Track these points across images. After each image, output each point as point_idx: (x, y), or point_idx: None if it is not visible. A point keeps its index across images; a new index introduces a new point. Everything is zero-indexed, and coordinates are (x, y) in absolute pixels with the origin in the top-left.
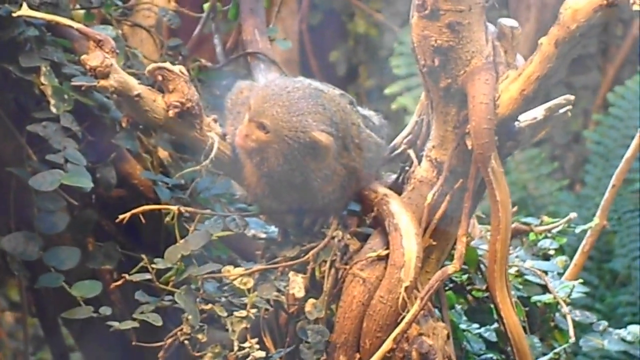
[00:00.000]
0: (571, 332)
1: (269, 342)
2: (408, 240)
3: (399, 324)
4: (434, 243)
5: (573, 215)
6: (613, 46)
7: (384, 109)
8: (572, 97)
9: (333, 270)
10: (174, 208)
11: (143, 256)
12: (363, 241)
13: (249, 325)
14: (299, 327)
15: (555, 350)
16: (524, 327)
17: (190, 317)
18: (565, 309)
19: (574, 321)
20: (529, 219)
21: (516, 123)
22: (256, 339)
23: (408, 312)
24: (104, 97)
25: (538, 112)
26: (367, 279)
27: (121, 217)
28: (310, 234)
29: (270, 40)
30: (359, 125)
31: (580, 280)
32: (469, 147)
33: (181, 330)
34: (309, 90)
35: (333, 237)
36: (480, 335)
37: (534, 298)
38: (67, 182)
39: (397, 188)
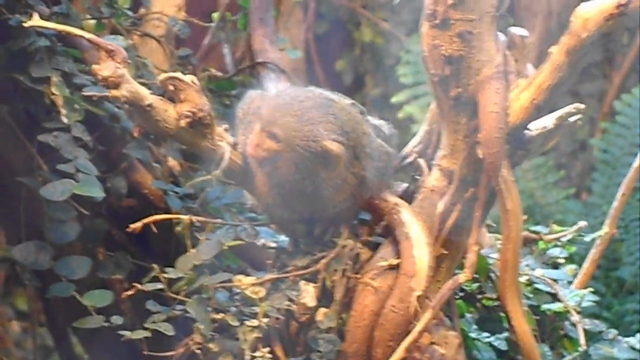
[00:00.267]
0: (582, 340)
1: (279, 351)
2: (419, 249)
3: (410, 333)
4: (445, 252)
5: (583, 223)
6: (619, 54)
7: (390, 118)
8: (582, 106)
9: (344, 280)
10: (186, 217)
11: (155, 265)
12: (374, 250)
13: (260, 335)
14: (310, 337)
15: (566, 359)
16: (534, 336)
17: (202, 326)
18: (576, 317)
19: (583, 330)
20: (538, 228)
21: (526, 132)
22: (267, 348)
23: (419, 321)
24: (114, 107)
25: (548, 121)
26: (378, 288)
27: (133, 226)
28: (321, 243)
29: (279, 50)
30: (369, 134)
31: (591, 289)
32: (480, 156)
33: (193, 339)
34: (320, 99)
35: (344, 247)
36: (490, 344)
37: (544, 306)
38: (79, 192)
39: (408, 197)
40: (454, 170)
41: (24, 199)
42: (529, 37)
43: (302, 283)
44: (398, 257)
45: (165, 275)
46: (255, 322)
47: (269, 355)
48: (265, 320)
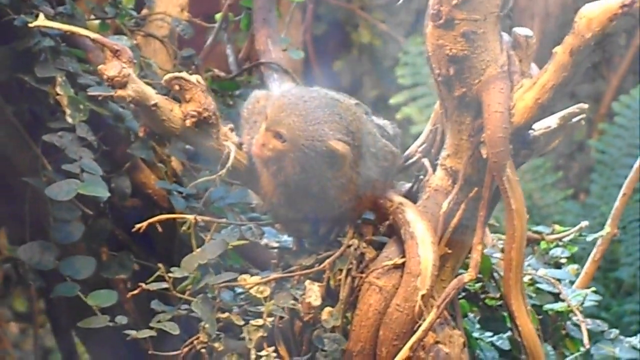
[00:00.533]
0: (585, 340)
1: (283, 350)
2: (424, 249)
3: (415, 332)
4: (449, 251)
5: (584, 223)
6: (616, 55)
7: (388, 119)
8: (585, 106)
9: (349, 279)
10: (191, 217)
11: (160, 265)
12: (379, 250)
13: (265, 334)
14: (315, 336)
15: (568, 359)
16: (538, 336)
17: (207, 325)
18: (579, 316)
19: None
20: (540, 228)
21: (531, 132)
22: (272, 347)
23: (424, 320)
24: (119, 107)
25: (552, 121)
26: (383, 287)
27: (137, 226)
28: (326, 242)
29: (282, 50)
30: (374, 134)
31: (593, 289)
32: (484, 156)
33: (198, 339)
34: (325, 99)
35: (349, 246)
36: (492, 344)
37: (546, 306)
38: (84, 192)
39: (412, 197)
40: (458, 170)
41: (29, 199)
42: (534, 37)
43: (307, 282)
44: (403, 257)
45: (171, 275)
46: (260, 322)
47: (274, 355)
48: (270, 319)
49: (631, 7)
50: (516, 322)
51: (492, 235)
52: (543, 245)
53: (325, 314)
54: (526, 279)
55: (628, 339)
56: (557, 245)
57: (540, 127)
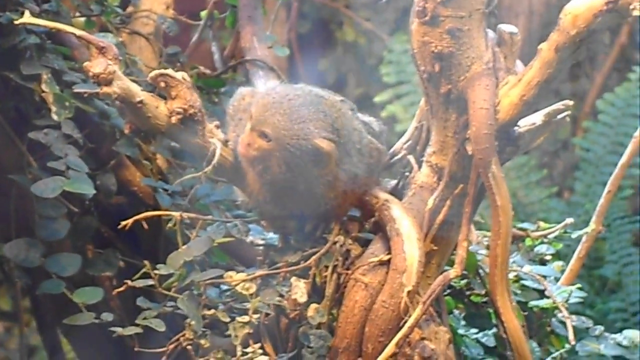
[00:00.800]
0: (571, 336)
1: (269, 347)
2: (410, 245)
3: (401, 328)
4: (435, 248)
5: (570, 220)
6: (601, 54)
7: (374, 117)
8: (570, 103)
9: (335, 276)
10: (176, 214)
11: (146, 262)
12: (364, 246)
13: (251, 331)
14: (301, 332)
15: (553, 355)
16: (523, 332)
17: (193, 322)
18: (565, 313)
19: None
20: (525, 225)
21: (516, 128)
22: (258, 344)
23: (410, 316)
24: (104, 104)
25: (537, 118)
26: (369, 284)
27: (123, 223)
28: (312, 239)
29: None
30: (360, 130)
31: (578, 286)
32: (469, 153)
33: (184, 335)
34: (310, 97)
35: (335, 243)
36: (478, 340)
37: (531, 303)
38: (69, 189)
39: (398, 194)
40: (444, 167)
41: (14, 196)
42: (519, 34)
43: (293, 279)
44: (389, 253)
45: (156, 272)
46: (246, 318)
47: (260, 351)
48: (256, 316)
49: (616, 4)
50: (502, 318)
51: (477, 232)
52: (528, 242)
53: (311, 310)
54: (511, 275)
55: (613, 335)
56: (542, 242)
57: (525, 123)
